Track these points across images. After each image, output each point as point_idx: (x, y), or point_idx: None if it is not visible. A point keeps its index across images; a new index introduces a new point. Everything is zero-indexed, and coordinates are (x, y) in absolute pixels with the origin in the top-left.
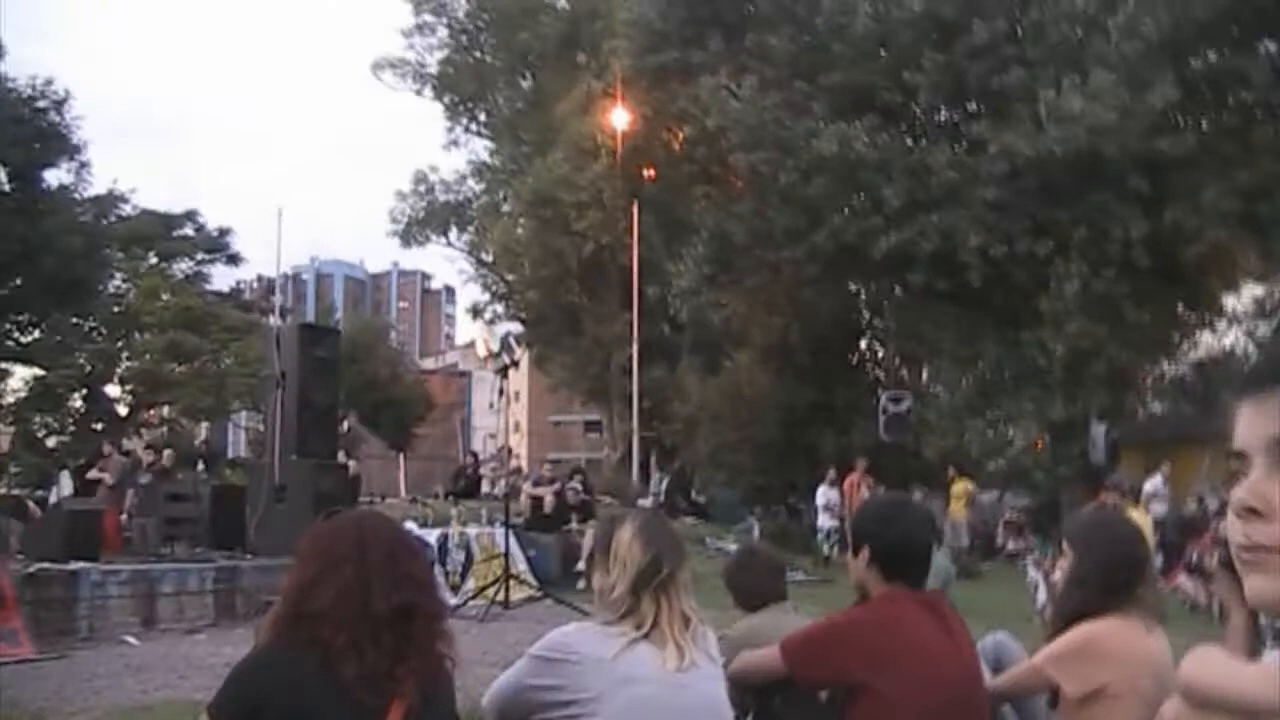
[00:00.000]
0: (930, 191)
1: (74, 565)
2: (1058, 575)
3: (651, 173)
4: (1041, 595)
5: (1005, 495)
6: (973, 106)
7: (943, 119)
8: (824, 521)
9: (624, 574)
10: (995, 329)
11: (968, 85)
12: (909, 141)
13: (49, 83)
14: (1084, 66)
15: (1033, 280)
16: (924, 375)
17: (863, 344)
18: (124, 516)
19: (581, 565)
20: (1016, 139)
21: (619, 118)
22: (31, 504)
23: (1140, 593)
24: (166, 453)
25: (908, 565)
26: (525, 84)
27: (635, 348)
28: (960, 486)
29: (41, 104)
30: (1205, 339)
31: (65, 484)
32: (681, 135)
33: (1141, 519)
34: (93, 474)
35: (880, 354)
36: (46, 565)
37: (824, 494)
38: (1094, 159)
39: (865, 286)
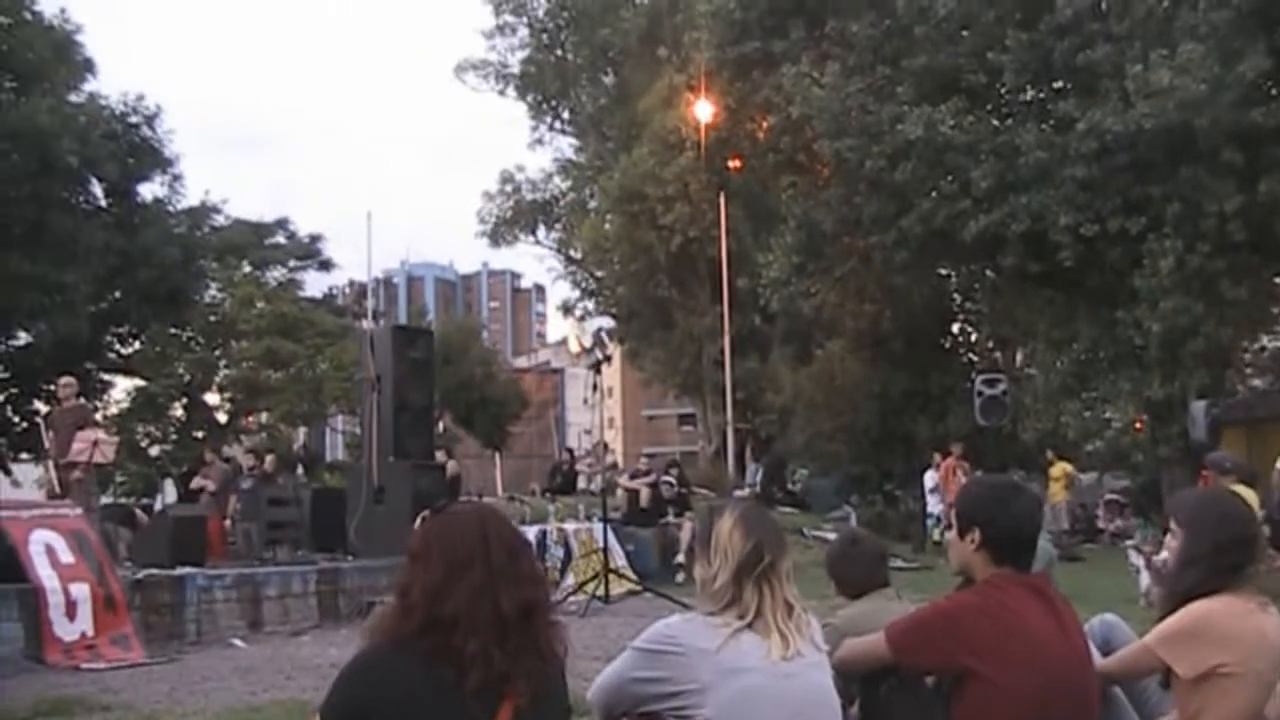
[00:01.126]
0: (1019, 172)
1: (180, 570)
2: (1162, 556)
3: (737, 164)
4: (1144, 580)
5: (1104, 477)
6: (1059, 84)
7: (1029, 98)
8: (933, 506)
9: (725, 564)
10: (1089, 309)
11: (1053, 63)
12: (996, 122)
13: (140, 98)
14: (1172, 39)
15: (1126, 258)
16: (1018, 358)
17: (955, 328)
18: (228, 522)
19: (680, 558)
20: (1105, 116)
21: (703, 110)
22: (139, 511)
23: (1252, 571)
24: (268, 458)
25: (1018, 549)
26: (608, 80)
27: (727, 339)
28: (1059, 469)
29: (134, 120)
30: None
31: (169, 491)
32: (766, 125)
33: (1250, 496)
34: (196, 481)
35: (974, 338)
36: (154, 571)
37: (932, 478)
38: (1185, 133)
39: (956, 270)
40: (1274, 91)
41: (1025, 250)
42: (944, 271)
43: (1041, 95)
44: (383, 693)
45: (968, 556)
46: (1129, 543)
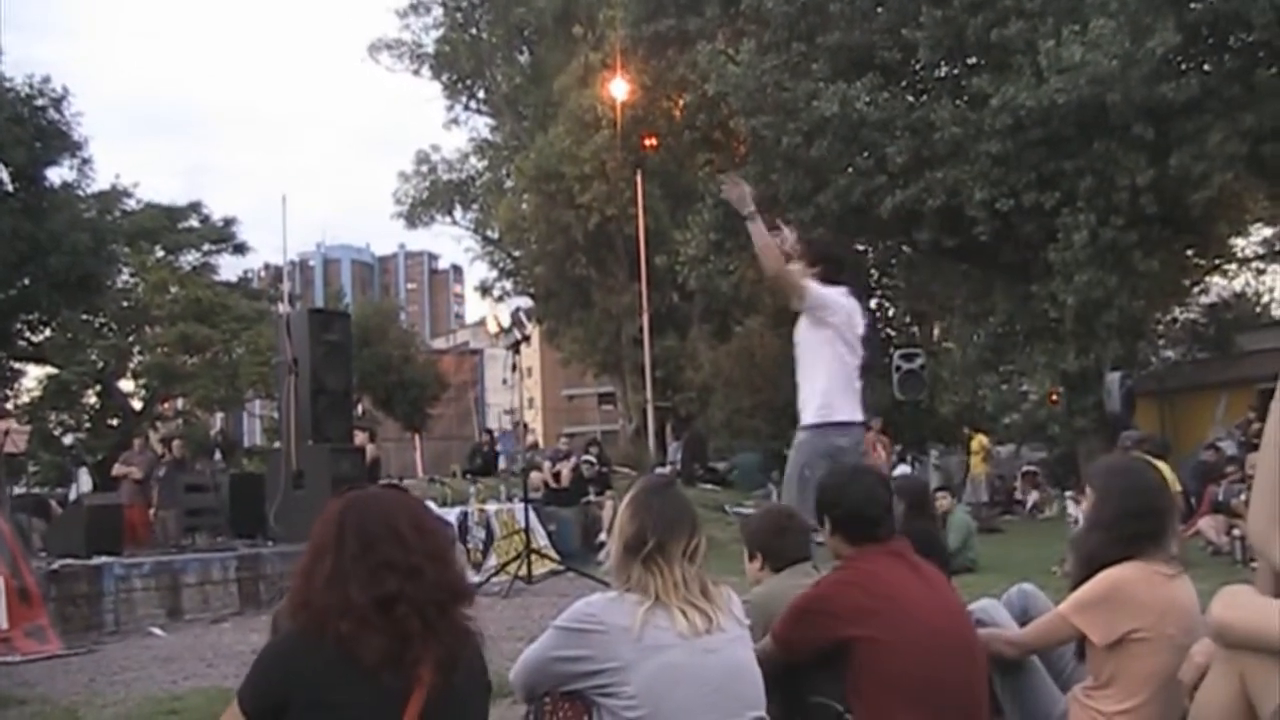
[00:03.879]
0: (934, 148)
1: (97, 560)
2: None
3: (654, 142)
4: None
5: (1022, 449)
6: (973, 60)
7: (943, 74)
8: None
9: (615, 544)
10: (1005, 283)
11: (967, 39)
12: (910, 99)
13: (46, 80)
14: (1083, 15)
15: (1040, 232)
16: (935, 333)
17: (873, 304)
18: (152, 510)
19: (602, 537)
20: (1018, 91)
21: (618, 88)
22: (53, 503)
23: (1164, 540)
24: (175, 443)
25: (867, 527)
26: (523, 59)
27: (645, 318)
28: (978, 442)
29: (40, 102)
30: (1215, 284)
31: (84, 480)
32: (682, 103)
33: (1163, 468)
34: (119, 468)
35: (891, 313)
36: (70, 561)
37: None
38: (1097, 108)
39: (873, 246)
40: (1184, 67)
41: (941, 225)
42: (861, 247)
43: (955, 71)
44: (298, 676)
45: (830, 542)
46: (1069, 493)
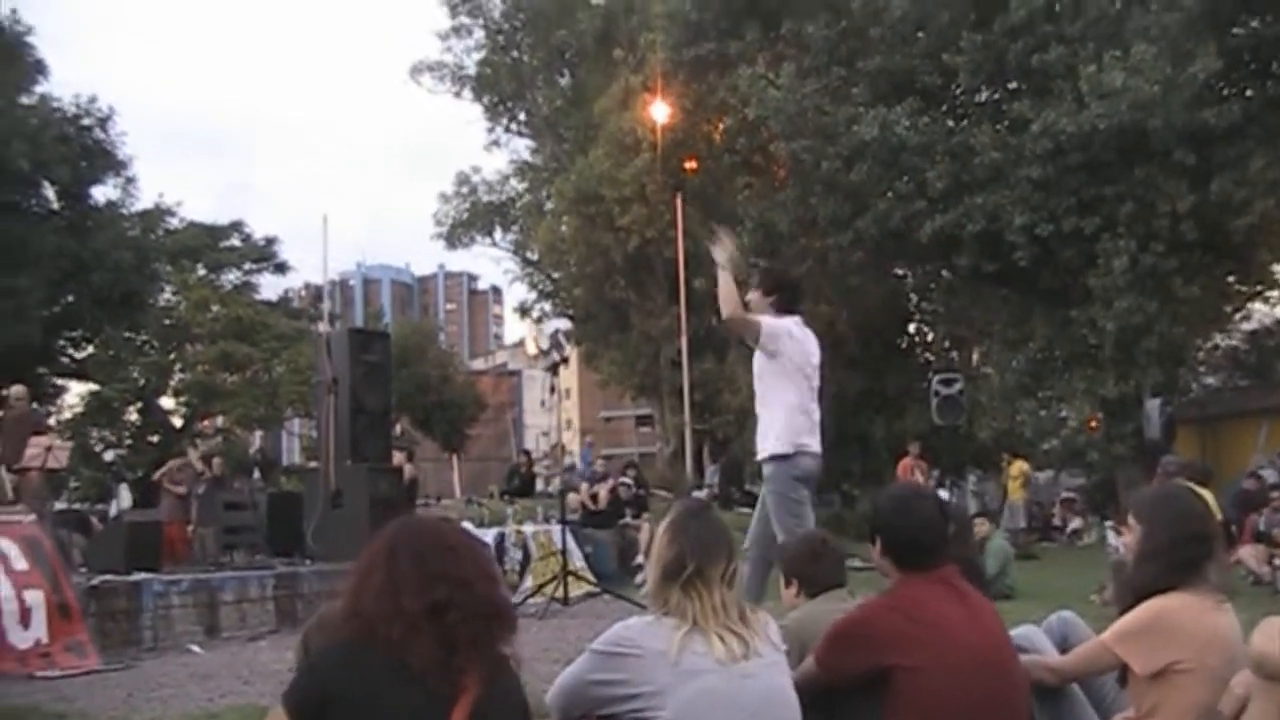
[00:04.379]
0: (974, 173)
1: (136, 576)
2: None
3: (693, 165)
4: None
5: (1060, 475)
6: (1013, 85)
7: (984, 99)
8: None
9: (654, 569)
10: (1044, 308)
11: (1007, 64)
12: (950, 123)
13: (92, 100)
14: (1124, 40)
15: (1080, 258)
16: (974, 358)
17: (911, 329)
18: (190, 527)
19: (639, 560)
20: (1059, 116)
21: (658, 111)
22: (94, 519)
23: (1208, 568)
24: (215, 461)
25: (920, 554)
26: (563, 81)
27: (684, 340)
28: (1016, 468)
29: (86, 122)
30: (1257, 310)
31: (124, 497)
32: (722, 127)
33: (1205, 495)
34: (167, 484)
35: (930, 338)
36: (109, 577)
37: None
38: (1138, 133)
39: (912, 271)
40: (1225, 92)
41: (980, 250)
42: (900, 272)
43: (996, 96)
44: (343, 680)
45: (878, 562)
46: (1108, 523)
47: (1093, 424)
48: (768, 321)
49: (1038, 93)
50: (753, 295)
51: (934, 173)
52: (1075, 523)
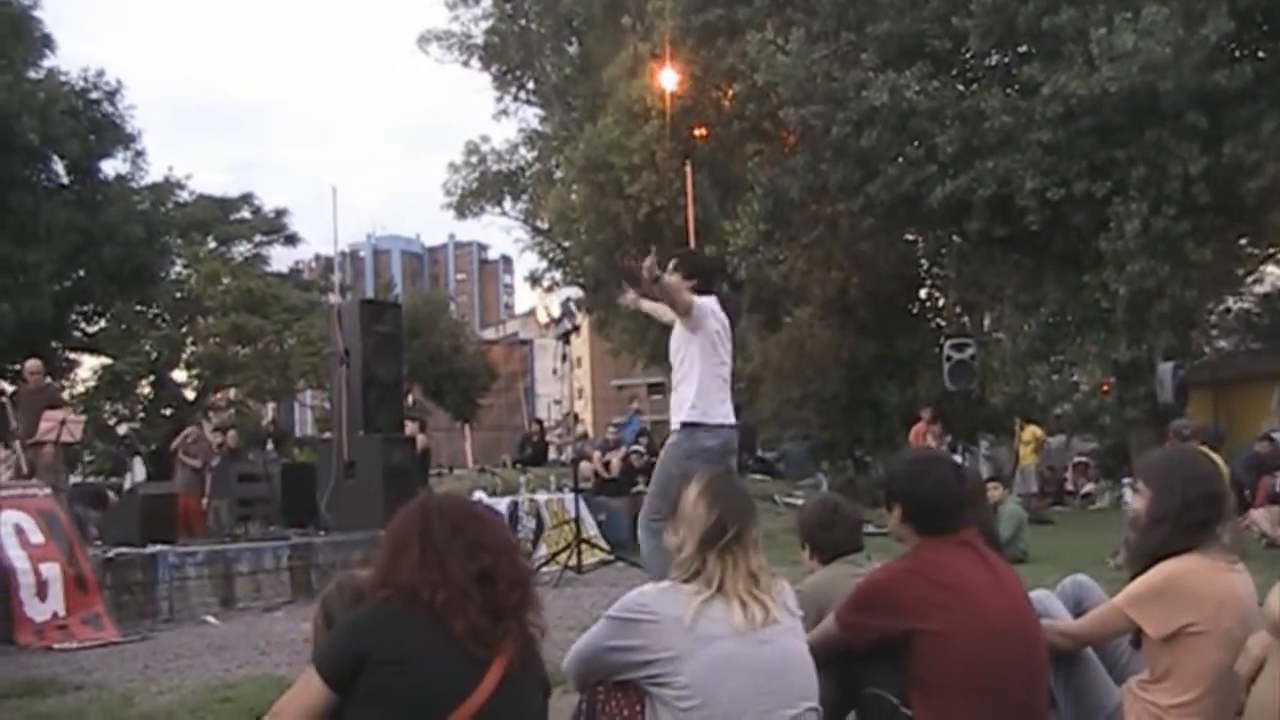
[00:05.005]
0: (984, 137)
1: (151, 548)
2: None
3: (703, 132)
4: None
5: (1073, 440)
6: (1024, 49)
7: (994, 63)
8: None
9: (690, 535)
10: (1056, 273)
11: (1017, 27)
12: (960, 87)
13: (100, 74)
14: (1135, 2)
15: (1092, 222)
16: (986, 323)
17: (923, 294)
18: (204, 499)
19: None
20: (1070, 80)
21: (667, 79)
22: (109, 492)
23: (1219, 530)
24: (230, 434)
25: (941, 518)
26: (572, 49)
27: None
28: (1029, 432)
29: (94, 96)
30: (1269, 273)
31: (138, 470)
32: (731, 93)
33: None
34: (183, 456)
35: (941, 303)
36: (125, 550)
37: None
38: (1149, 96)
39: (923, 236)
40: (1237, 53)
41: (991, 215)
42: (911, 237)
43: (1006, 60)
44: (377, 642)
45: (897, 528)
46: (1127, 480)
47: (1105, 388)
48: (698, 301)
49: (1048, 56)
50: (673, 278)
51: (944, 137)
52: (1088, 487)
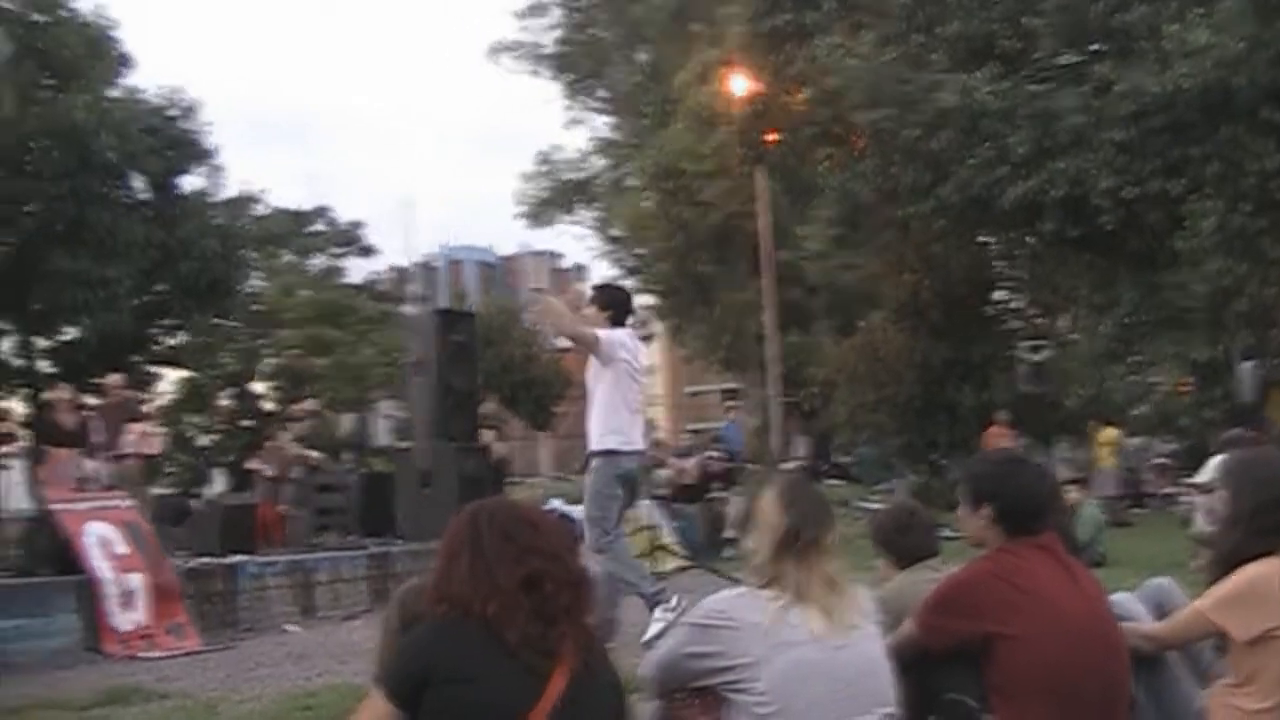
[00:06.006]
0: (1056, 137)
1: (232, 558)
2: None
3: (774, 137)
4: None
5: (1152, 441)
6: (1096, 47)
7: (1065, 62)
8: None
9: (766, 540)
10: (1131, 272)
11: (1089, 25)
12: (1032, 87)
13: (178, 91)
14: None
15: (1167, 221)
16: (1061, 324)
17: (996, 296)
18: (282, 508)
19: (729, 533)
20: (1143, 77)
21: (737, 84)
22: (190, 501)
23: None
24: (307, 446)
25: (1029, 520)
26: (641, 57)
27: (769, 313)
28: (1106, 434)
29: (172, 113)
30: None
31: (218, 481)
32: (801, 97)
33: None
34: (254, 464)
35: (1015, 305)
36: (206, 560)
37: None
38: (1224, 92)
39: (996, 238)
40: None
41: (1065, 215)
42: (983, 239)
43: (1078, 59)
44: (440, 656)
45: (981, 531)
46: (1188, 481)
47: (1183, 388)
48: (605, 335)
49: (1120, 53)
50: (589, 311)
51: (1016, 138)
52: (1168, 489)
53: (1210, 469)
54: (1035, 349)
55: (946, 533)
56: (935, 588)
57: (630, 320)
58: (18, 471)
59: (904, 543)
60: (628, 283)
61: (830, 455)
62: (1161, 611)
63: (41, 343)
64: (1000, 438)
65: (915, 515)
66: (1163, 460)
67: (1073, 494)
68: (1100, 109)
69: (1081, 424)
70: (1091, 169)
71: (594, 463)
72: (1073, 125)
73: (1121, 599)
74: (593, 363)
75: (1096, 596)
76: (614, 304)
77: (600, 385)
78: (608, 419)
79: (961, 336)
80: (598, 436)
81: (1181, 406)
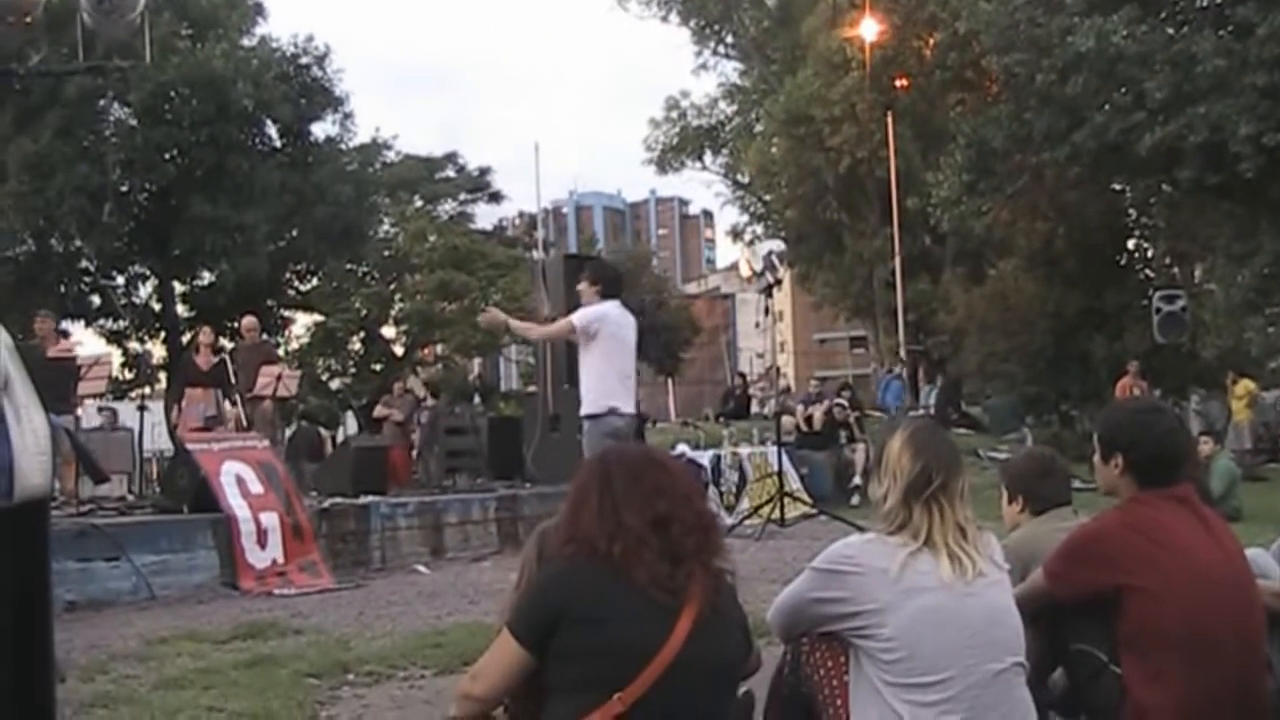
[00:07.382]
0: (1196, 82)
1: (364, 499)
2: None
3: (904, 83)
4: None
5: None
6: None
7: (1205, 4)
8: None
9: (895, 485)
10: (1272, 221)
11: None
12: (1170, 31)
13: (310, 39)
14: None
15: None
16: (1197, 274)
17: (1131, 245)
18: (413, 452)
19: (855, 481)
20: None
21: (868, 29)
22: (325, 435)
23: None
24: (437, 389)
25: (1164, 471)
26: (770, 1)
27: (898, 261)
28: (1242, 386)
29: (304, 61)
30: None
31: (350, 424)
32: (932, 42)
33: None
34: (380, 410)
35: (1150, 254)
36: (339, 500)
37: None
38: None
39: (1131, 185)
40: None
41: (1203, 162)
42: (1118, 187)
43: (1218, 1)
44: (569, 597)
45: (1114, 480)
46: None
47: None
48: (578, 316)
49: None
50: (582, 285)
51: (1153, 83)
52: None
53: None
54: (1170, 299)
55: (1077, 483)
56: (1065, 537)
57: (619, 293)
58: (157, 412)
59: (1042, 488)
60: (756, 228)
61: (959, 404)
62: None
63: (179, 287)
64: (1133, 389)
65: (1055, 461)
66: None
67: (1205, 446)
68: (1242, 53)
69: (1217, 376)
70: (1232, 114)
71: (585, 425)
72: (1213, 70)
73: (1255, 554)
74: (580, 336)
75: (1233, 549)
76: (604, 279)
77: (589, 356)
78: (598, 386)
79: (1095, 285)
80: (589, 402)
81: None
